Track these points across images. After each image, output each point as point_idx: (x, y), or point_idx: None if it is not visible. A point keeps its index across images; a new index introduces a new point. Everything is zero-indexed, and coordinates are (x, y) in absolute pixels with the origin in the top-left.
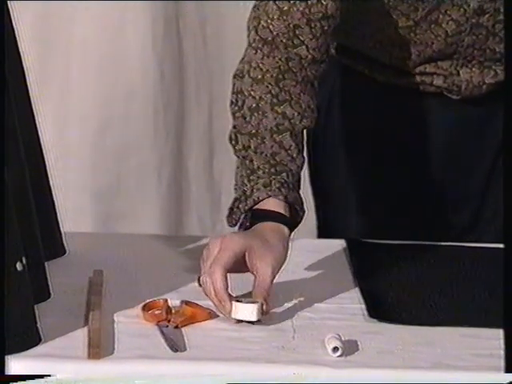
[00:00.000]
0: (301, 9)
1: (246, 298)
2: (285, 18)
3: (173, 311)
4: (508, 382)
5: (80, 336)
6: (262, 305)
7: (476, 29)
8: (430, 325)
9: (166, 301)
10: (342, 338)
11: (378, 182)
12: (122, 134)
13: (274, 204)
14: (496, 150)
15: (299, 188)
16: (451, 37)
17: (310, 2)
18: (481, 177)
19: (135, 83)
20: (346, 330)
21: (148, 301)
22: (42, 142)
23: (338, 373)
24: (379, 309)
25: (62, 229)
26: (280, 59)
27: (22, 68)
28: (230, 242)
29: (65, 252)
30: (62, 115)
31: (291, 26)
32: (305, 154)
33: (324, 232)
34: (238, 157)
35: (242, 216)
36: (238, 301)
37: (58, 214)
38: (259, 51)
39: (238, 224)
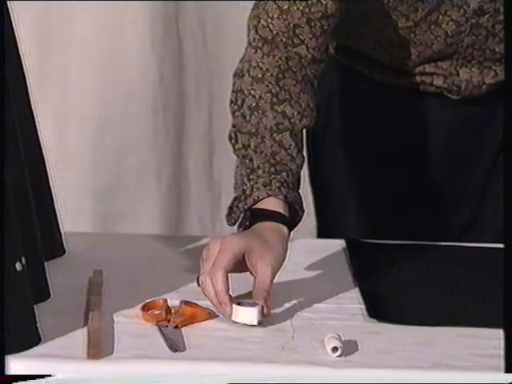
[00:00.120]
0: (301, 8)
1: (246, 298)
2: (285, 17)
3: (172, 311)
4: (508, 382)
5: (80, 336)
6: (263, 307)
7: (476, 29)
8: (429, 325)
9: (166, 301)
10: (342, 338)
11: (377, 182)
12: (121, 134)
13: (273, 203)
14: (496, 150)
15: (299, 187)
16: (451, 37)
17: (309, 2)
18: (480, 176)
19: (135, 83)
20: (345, 330)
21: (148, 301)
22: (41, 141)
23: (337, 373)
24: (379, 309)
25: (61, 229)
26: (280, 58)
27: (22, 68)
28: (229, 243)
29: (64, 252)
30: (61, 115)
31: (291, 25)
32: (304, 153)
33: (323, 232)
34: (238, 156)
35: (242, 215)
36: (238, 303)
37: (58, 214)
38: (259, 50)
39: (238, 223)
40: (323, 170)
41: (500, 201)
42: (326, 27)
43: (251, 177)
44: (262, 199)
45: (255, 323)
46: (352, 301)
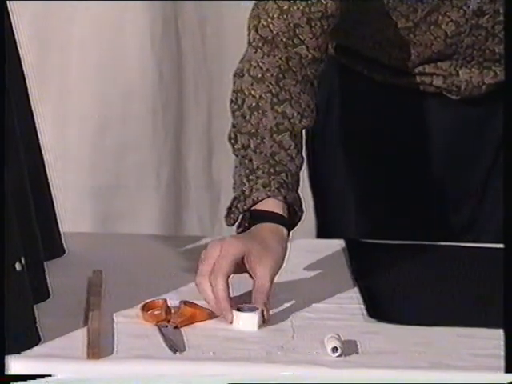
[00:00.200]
0: (301, 8)
1: (245, 298)
2: (285, 16)
3: (172, 311)
4: (508, 382)
5: (79, 336)
6: (263, 311)
7: (475, 30)
8: (429, 325)
9: (166, 301)
10: (342, 338)
11: (377, 182)
12: (120, 133)
13: (272, 204)
14: (495, 150)
15: (298, 188)
16: (451, 38)
17: (310, 1)
18: (480, 176)
19: (134, 83)
20: (345, 330)
21: (147, 301)
22: (40, 141)
23: (337, 373)
24: (378, 309)
25: (61, 229)
26: (280, 58)
27: (21, 68)
28: (229, 246)
29: (64, 252)
30: (61, 115)
31: (291, 25)
32: (304, 153)
33: (323, 232)
34: (237, 156)
35: (241, 216)
36: (238, 309)
37: (58, 214)
38: (259, 50)
39: (237, 224)
40: (323, 169)
41: (500, 200)
42: (326, 27)
43: (250, 177)
44: (261, 200)
45: (255, 329)
46: (352, 301)
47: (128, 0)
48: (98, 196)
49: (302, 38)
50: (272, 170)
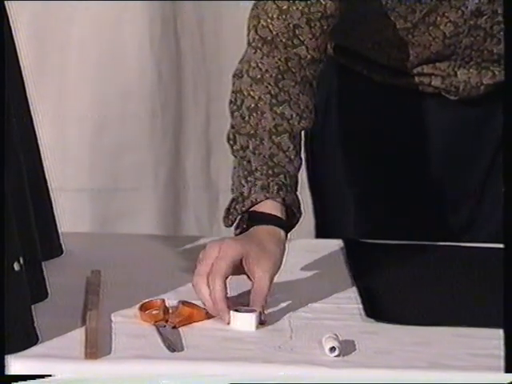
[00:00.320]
0: (300, 8)
1: (243, 297)
2: (284, 17)
3: (170, 311)
4: (508, 382)
5: (77, 336)
6: (260, 313)
7: (474, 30)
8: (427, 325)
9: (164, 301)
10: (340, 338)
11: (376, 182)
12: (119, 133)
13: (271, 206)
14: (494, 150)
15: (296, 190)
16: (449, 38)
17: (309, 2)
18: (479, 176)
19: (133, 83)
20: (343, 330)
21: (145, 301)
22: (39, 141)
23: (335, 373)
24: (376, 309)
25: (59, 229)
26: (279, 59)
27: (20, 68)
28: (228, 248)
29: (62, 252)
30: (59, 115)
31: (291, 25)
32: (302, 154)
33: (322, 232)
34: (236, 157)
35: (239, 217)
36: (236, 310)
37: (56, 214)
38: (259, 51)
39: (235, 225)
40: (322, 169)
41: (499, 200)
42: (325, 27)
43: (249, 179)
44: (259, 202)
45: (253, 329)
46: (350, 301)
47: (127, 0)
48: (96, 196)
49: (301, 38)
50: (271, 172)
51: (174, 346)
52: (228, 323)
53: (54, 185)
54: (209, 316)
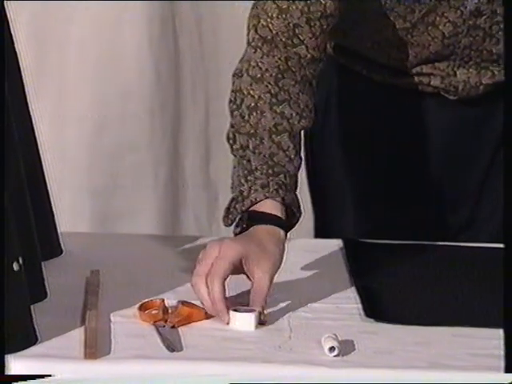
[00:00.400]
0: (300, 7)
1: (242, 297)
2: (284, 16)
3: (169, 311)
4: (508, 382)
5: (76, 336)
6: (260, 313)
7: (473, 30)
8: (426, 324)
9: (163, 301)
10: (339, 338)
11: (375, 182)
12: (118, 133)
13: (271, 206)
14: (493, 150)
15: (296, 189)
16: (448, 38)
17: (309, 1)
18: (478, 176)
19: (131, 83)
20: (342, 330)
21: (145, 301)
22: (38, 141)
23: (334, 373)
24: (376, 309)
25: (58, 228)
26: (279, 58)
27: (19, 68)
28: (227, 248)
29: (61, 252)
30: (58, 115)
31: (291, 24)
32: (302, 153)
33: (321, 231)
34: (236, 156)
35: (239, 216)
36: (235, 310)
37: (55, 214)
38: (258, 50)
39: (234, 224)
40: (321, 169)
41: (498, 200)
42: (325, 27)
43: (249, 178)
44: (259, 201)
45: (252, 329)
46: (349, 300)
47: (126, 0)
48: (95, 196)
49: (301, 37)
50: (270, 171)
51: (173, 345)
52: (227, 323)
53: (54, 184)
54: (208, 316)
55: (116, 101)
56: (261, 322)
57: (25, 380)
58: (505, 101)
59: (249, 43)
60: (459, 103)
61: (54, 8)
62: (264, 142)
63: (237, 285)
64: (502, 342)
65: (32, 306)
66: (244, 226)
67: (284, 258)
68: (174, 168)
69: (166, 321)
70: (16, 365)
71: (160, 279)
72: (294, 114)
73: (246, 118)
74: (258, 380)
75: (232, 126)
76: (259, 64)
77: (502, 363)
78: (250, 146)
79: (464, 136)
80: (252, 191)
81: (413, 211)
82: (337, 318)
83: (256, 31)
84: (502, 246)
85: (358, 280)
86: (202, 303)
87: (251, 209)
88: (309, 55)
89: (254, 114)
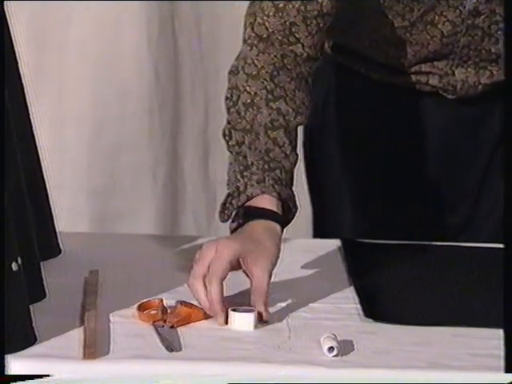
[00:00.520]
0: (296, 6)
1: (241, 297)
2: (281, 15)
3: (168, 311)
4: (508, 382)
5: (75, 336)
6: (260, 313)
7: (472, 30)
8: (425, 324)
9: (162, 301)
10: (338, 338)
11: (373, 180)
12: (117, 133)
13: (267, 201)
14: (491, 149)
15: (292, 185)
16: (447, 37)
17: (305, 0)
18: (476, 175)
19: (130, 83)
20: (341, 330)
21: (143, 301)
22: (37, 141)
23: (333, 373)
24: (375, 309)
25: (57, 229)
26: (275, 56)
27: (18, 68)
28: (224, 248)
29: (60, 252)
30: (57, 115)
31: (287, 23)
32: (301, 153)
33: (320, 231)
34: (232, 153)
35: (235, 212)
36: (234, 310)
37: (54, 214)
38: (254, 48)
39: (230, 220)
40: (319, 168)
41: (496, 200)
42: (321, 25)
43: (245, 173)
44: (255, 196)
45: (251, 329)
46: (348, 301)
47: (125, 0)
48: (94, 196)
49: (297, 36)
50: (266, 167)
51: (172, 345)
52: (226, 323)
53: (52, 185)
54: (207, 316)
55: (115, 101)
56: (264, 321)
57: (24, 380)
58: (505, 101)
59: (245, 41)
60: (457, 102)
61: (53, 8)
62: (260, 137)
63: (234, 285)
64: (501, 342)
65: (31, 306)
66: (240, 221)
67: (281, 256)
68: (173, 168)
69: (164, 321)
70: (15, 365)
71: (159, 279)
72: (290, 111)
73: (242, 114)
74: (257, 380)
75: (228, 122)
76: (255, 61)
77: (501, 363)
78: (246, 142)
79: (462, 135)
80: (248, 186)
81: (410, 210)
82: (336, 318)
83: (252, 29)
84: (501, 245)
85: (357, 280)
86: (199, 303)
87: (247, 204)
88: (305, 53)
89: (251, 110)
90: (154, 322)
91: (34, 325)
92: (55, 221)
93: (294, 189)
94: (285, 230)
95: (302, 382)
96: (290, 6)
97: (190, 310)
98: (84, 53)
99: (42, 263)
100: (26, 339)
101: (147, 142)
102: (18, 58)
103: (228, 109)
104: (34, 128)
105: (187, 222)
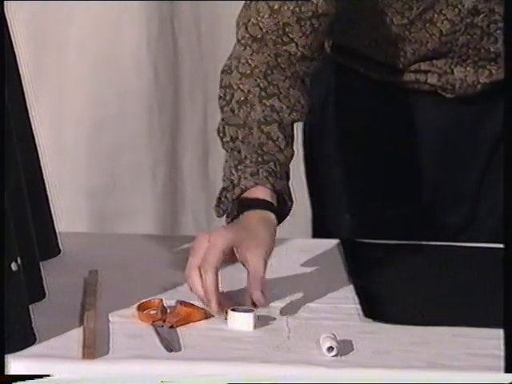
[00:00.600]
0: (291, 7)
1: (238, 294)
2: (275, 16)
3: (168, 311)
4: (508, 382)
5: (75, 336)
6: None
7: (471, 29)
8: (425, 324)
9: (161, 301)
10: (337, 338)
11: (373, 181)
12: (116, 133)
13: (261, 192)
14: (490, 149)
15: (288, 179)
16: (446, 36)
17: (300, 1)
18: (476, 175)
19: (130, 83)
20: (340, 330)
21: (143, 301)
22: (36, 141)
23: (332, 373)
24: (374, 309)
25: (57, 229)
26: (269, 55)
27: (18, 68)
28: (217, 237)
29: (60, 252)
30: (57, 115)
31: (281, 23)
32: (301, 152)
33: (319, 230)
34: (227, 150)
35: (230, 206)
36: (233, 309)
37: (53, 214)
38: (248, 48)
39: (226, 214)
40: (320, 168)
41: (496, 199)
42: (316, 26)
43: (239, 167)
44: (249, 188)
45: (251, 329)
46: (347, 300)
47: (124, 0)
48: (93, 196)
49: (291, 36)
50: (260, 159)
51: (171, 345)
52: (217, 311)
53: (52, 184)
54: (207, 316)
55: (114, 101)
56: (262, 306)
57: (23, 380)
58: (505, 101)
59: (238, 41)
60: (456, 101)
61: (53, 8)
62: (253, 131)
63: (230, 283)
64: (501, 342)
65: (30, 306)
66: (235, 213)
67: (281, 256)
68: (173, 168)
69: (164, 321)
70: (15, 365)
71: (158, 279)
72: (284, 107)
73: (236, 111)
74: (257, 380)
75: (222, 119)
76: (249, 61)
77: (501, 363)
78: (240, 137)
79: (461, 134)
80: (242, 179)
81: (410, 210)
82: (335, 318)
83: (246, 29)
84: (501, 245)
85: (357, 280)
86: (196, 295)
87: (242, 197)
88: (299, 53)
89: (244, 107)
90: (153, 321)
91: (33, 325)
92: (55, 221)
93: (293, 189)
94: (284, 228)
95: (301, 382)
96: (285, 7)
97: (190, 309)
98: (84, 53)
99: (41, 263)
100: (25, 339)
101: (147, 141)
102: (17, 58)
103: (221, 108)
104: (33, 128)
105: (187, 222)
